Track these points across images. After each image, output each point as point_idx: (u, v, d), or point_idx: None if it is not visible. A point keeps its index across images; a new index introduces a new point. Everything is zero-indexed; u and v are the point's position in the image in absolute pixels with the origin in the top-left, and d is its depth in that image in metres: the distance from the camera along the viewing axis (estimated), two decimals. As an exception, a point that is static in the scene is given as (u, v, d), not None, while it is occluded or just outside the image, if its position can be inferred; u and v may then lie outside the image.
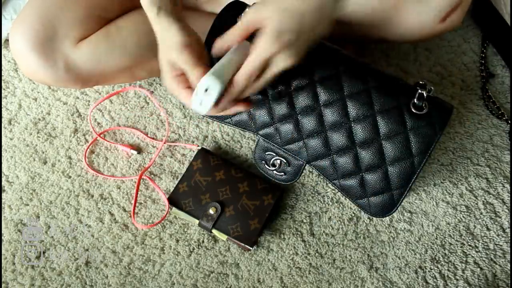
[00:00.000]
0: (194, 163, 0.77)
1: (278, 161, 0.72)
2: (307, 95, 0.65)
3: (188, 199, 0.74)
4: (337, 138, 0.66)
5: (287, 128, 0.68)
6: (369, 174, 0.66)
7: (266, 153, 0.72)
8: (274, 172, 0.73)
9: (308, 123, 0.66)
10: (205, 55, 0.58)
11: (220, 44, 0.56)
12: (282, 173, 0.72)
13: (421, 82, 0.63)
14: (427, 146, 0.62)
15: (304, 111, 0.66)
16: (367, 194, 0.68)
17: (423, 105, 0.62)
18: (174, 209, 0.74)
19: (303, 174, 0.79)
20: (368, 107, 0.63)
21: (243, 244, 0.71)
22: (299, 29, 0.52)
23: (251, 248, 0.71)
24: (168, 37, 0.56)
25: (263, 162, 0.73)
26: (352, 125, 0.64)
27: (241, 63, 0.54)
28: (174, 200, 0.74)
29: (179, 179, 0.76)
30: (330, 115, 0.65)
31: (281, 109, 0.67)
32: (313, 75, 0.65)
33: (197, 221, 0.73)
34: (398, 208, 0.76)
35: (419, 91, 0.62)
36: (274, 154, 0.72)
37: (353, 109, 0.63)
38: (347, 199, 0.76)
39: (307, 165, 0.70)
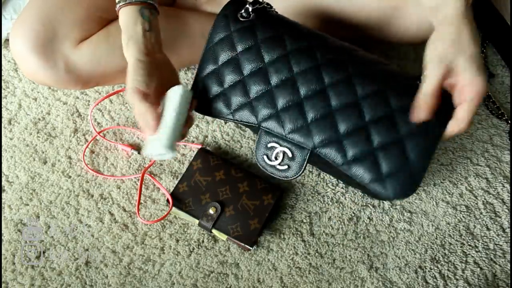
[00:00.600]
0: (194, 163, 0.77)
1: (281, 154, 0.68)
2: (312, 79, 0.64)
3: (188, 199, 0.74)
4: (346, 120, 0.64)
5: (291, 114, 0.66)
6: (382, 152, 0.63)
7: (269, 145, 0.69)
8: (277, 165, 0.68)
9: (314, 107, 0.64)
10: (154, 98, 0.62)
11: (422, 103, 0.59)
12: (286, 166, 0.68)
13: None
14: (445, 117, 0.61)
15: (309, 96, 0.64)
16: (382, 176, 0.64)
17: None
18: (174, 209, 0.74)
19: (303, 174, 0.79)
20: (377, 83, 0.63)
21: (243, 244, 0.71)
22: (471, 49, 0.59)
23: (251, 248, 0.72)
24: (129, 70, 0.60)
25: (265, 156, 0.69)
26: (361, 102, 0.63)
27: (189, 114, 0.62)
28: (174, 200, 0.74)
29: (179, 179, 0.76)
30: (336, 97, 0.64)
31: (284, 96, 0.65)
32: (316, 59, 0.64)
33: (197, 221, 0.73)
34: (398, 208, 0.76)
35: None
36: (277, 146, 0.68)
37: (361, 88, 0.63)
38: (347, 199, 0.76)
39: (308, 164, 0.69)
